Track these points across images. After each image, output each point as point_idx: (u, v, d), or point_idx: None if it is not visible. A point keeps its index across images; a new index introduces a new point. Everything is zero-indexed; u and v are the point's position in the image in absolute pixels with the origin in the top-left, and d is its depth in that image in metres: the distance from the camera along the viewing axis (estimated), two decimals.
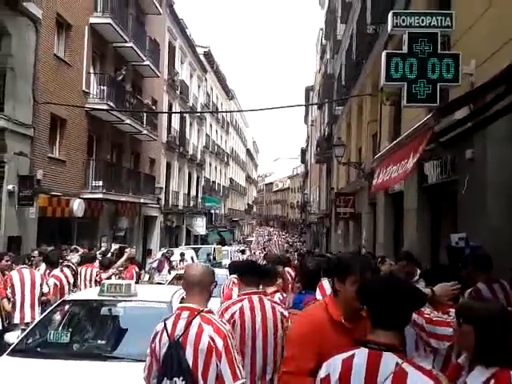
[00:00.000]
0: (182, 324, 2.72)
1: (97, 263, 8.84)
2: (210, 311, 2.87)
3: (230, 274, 6.39)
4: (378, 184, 7.00)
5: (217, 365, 2.60)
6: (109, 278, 8.33)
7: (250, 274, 3.79)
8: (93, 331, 4.89)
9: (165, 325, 2.77)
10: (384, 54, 6.29)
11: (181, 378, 2.58)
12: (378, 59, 8.73)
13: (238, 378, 2.62)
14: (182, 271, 10.84)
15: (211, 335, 2.64)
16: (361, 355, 1.91)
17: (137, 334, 4.40)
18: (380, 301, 1.95)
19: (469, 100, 4.96)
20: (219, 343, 2.62)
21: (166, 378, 2.62)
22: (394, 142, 6.88)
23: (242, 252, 19.73)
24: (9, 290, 6.68)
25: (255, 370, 3.41)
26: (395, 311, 1.92)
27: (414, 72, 6.02)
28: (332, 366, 1.98)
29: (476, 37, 6.08)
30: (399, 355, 1.88)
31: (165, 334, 2.73)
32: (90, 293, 5.56)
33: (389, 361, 1.85)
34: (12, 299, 6.61)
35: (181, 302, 3.87)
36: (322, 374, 2.01)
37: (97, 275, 8.46)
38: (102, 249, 10.97)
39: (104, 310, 5.04)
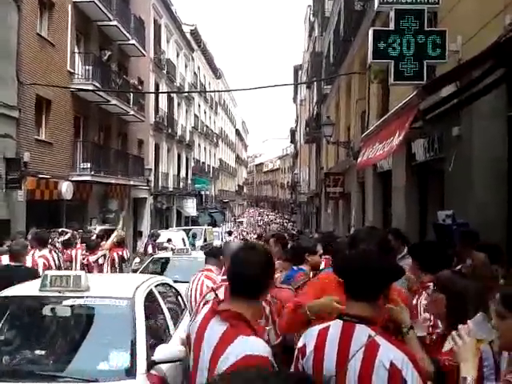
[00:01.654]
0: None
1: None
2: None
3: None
4: (363, 161, 7.03)
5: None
6: (96, 260, 8.31)
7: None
8: (29, 339, 3.75)
9: (216, 295, 3.10)
10: (371, 31, 6.26)
11: None
12: (365, 37, 8.66)
13: (278, 336, 3.07)
14: (160, 255, 10.67)
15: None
16: (335, 326, 1.95)
17: (87, 343, 3.60)
18: (351, 274, 2.00)
19: (455, 76, 4.97)
20: (267, 310, 3.03)
21: None
22: (380, 120, 6.89)
23: (229, 233, 19.82)
24: None
25: None
26: (367, 283, 1.94)
27: (401, 50, 6.01)
28: (308, 337, 2.03)
29: (463, 13, 6.05)
30: (373, 328, 1.90)
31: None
32: (29, 287, 4.16)
33: (361, 333, 1.88)
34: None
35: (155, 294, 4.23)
36: (299, 343, 2.05)
37: (83, 258, 8.40)
38: (91, 228, 10.84)
39: (46, 310, 3.93)
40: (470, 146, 5.65)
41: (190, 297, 4.65)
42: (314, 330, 2.03)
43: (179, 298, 5.53)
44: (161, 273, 8.72)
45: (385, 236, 3.00)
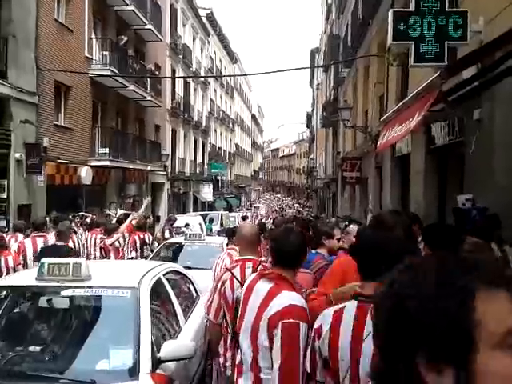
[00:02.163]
0: (249, 272, 3.25)
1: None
2: (266, 261, 3.64)
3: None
4: (383, 143, 6.97)
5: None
6: (112, 243, 8.44)
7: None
8: (22, 335, 3.43)
9: (232, 274, 3.35)
10: (391, 12, 6.15)
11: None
12: (384, 19, 8.53)
13: None
14: (171, 240, 10.40)
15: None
16: (351, 307, 1.96)
17: (86, 339, 3.31)
18: (363, 253, 2.03)
19: (477, 58, 4.88)
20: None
21: None
22: (401, 103, 6.81)
23: (244, 218, 19.86)
24: (20, 258, 6.76)
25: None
26: (378, 263, 1.92)
27: (422, 31, 5.90)
28: (324, 318, 2.04)
29: None
30: None
31: (235, 280, 3.31)
32: (25, 276, 3.95)
33: None
34: (24, 267, 6.71)
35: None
36: (316, 324, 2.06)
37: (101, 241, 8.54)
38: (110, 212, 10.99)
39: (42, 302, 3.65)
40: (491, 130, 5.56)
41: (214, 275, 4.91)
42: (330, 310, 2.05)
43: (191, 286, 5.25)
44: (172, 259, 8.38)
45: (409, 221, 3.05)
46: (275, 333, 2.33)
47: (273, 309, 2.36)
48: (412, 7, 6.03)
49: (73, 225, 9.83)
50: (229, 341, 3.27)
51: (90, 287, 3.46)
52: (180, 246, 9.36)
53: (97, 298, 3.52)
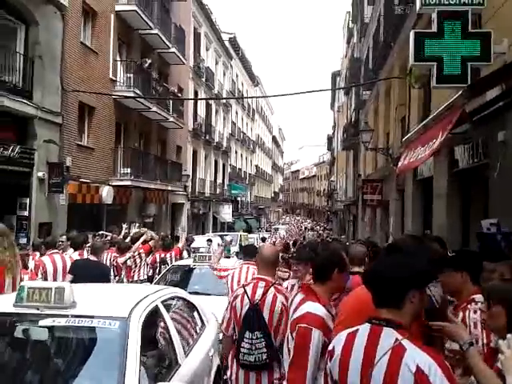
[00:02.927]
0: (260, 291, 3.53)
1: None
2: (279, 284, 3.83)
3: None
4: (404, 165, 6.83)
5: (285, 324, 3.35)
6: (124, 262, 8.43)
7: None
8: None
9: (245, 290, 3.58)
10: (412, 33, 6.10)
11: (260, 332, 3.41)
12: (406, 41, 8.49)
13: None
14: (179, 262, 9.39)
15: (283, 302, 3.50)
16: (363, 330, 1.94)
17: (63, 379, 2.90)
18: (370, 283, 2.01)
19: (501, 78, 4.76)
20: (288, 309, 3.37)
21: (248, 331, 3.44)
22: (422, 123, 6.69)
23: (263, 240, 19.70)
24: (39, 276, 6.77)
25: None
26: (384, 292, 1.93)
27: (444, 51, 5.82)
28: (338, 340, 2.03)
29: (509, 14, 5.81)
30: (400, 332, 1.85)
31: (246, 297, 3.54)
32: (1, 301, 3.35)
33: (388, 336, 1.85)
34: None
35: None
36: (330, 347, 2.08)
37: (113, 259, 8.53)
38: (124, 232, 11.00)
39: (18, 332, 3.13)
40: None
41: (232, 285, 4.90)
42: (344, 333, 2.03)
43: (196, 314, 4.75)
44: (179, 283, 7.67)
45: (433, 248, 2.96)
46: (293, 336, 2.69)
47: (294, 316, 2.80)
48: (434, 28, 5.97)
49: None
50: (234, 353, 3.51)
51: (73, 316, 3.00)
52: (188, 270, 8.49)
53: (79, 330, 3.03)
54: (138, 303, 3.32)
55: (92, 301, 3.45)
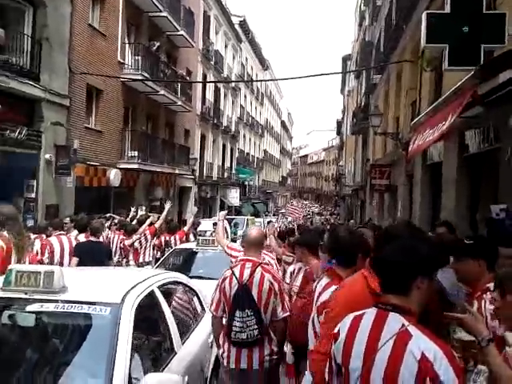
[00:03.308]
0: (247, 272, 3.65)
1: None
2: (266, 263, 3.90)
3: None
4: (413, 149, 6.73)
5: (273, 301, 3.61)
6: (131, 244, 8.48)
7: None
8: None
9: (232, 272, 3.68)
10: (425, 14, 5.97)
11: (250, 310, 3.54)
12: (418, 24, 8.31)
13: (286, 310, 3.71)
14: (181, 246, 9.18)
15: (270, 280, 3.64)
16: (369, 314, 1.91)
17: (49, 369, 2.71)
18: (378, 268, 1.98)
19: None
20: (276, 286, 3.64)
21: (238, 310, 3.55)
22: (432, 105, 6.56)
23: (269, 223, 19.61)
24: (46, 256, 6.81)
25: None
26: (399, 276, 1.88)
27: (457, 33, 5.68)
28: (343, 323, 1.99)
29: None
30: (407, 317, 1.81)
31: (234, 278, 3.64)
32: None
33: (394, 321, 1.81)
34: (49, 265, 6.74)
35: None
36: (335, 329, 2.04)
37: (120, 242, 8.59)
38: (131, 214, 11.05)
39: (4, 317, 2.99)
40: None
41: None
42: (350, 316, 2.00)
43: (195, 300, 4.59)
44: (182, 267, 7.39)
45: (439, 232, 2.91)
46: (319, 319, 2.75)
47: (320, 299, 2.88)
48: (447, 9, 5.82)
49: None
50: (226, 332, 3.62)
51: (62, 301, 2.85)
52: (191, 253, 8.27)
53: (68, 316, 2.86)
54: (132, 288, 3.17)
55: (83, 285, 3.31)
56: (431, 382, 1.65)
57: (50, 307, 2.85)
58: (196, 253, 8.13)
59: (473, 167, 7.82)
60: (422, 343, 1.72)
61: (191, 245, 8.72)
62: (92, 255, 6.32)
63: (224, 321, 3.74)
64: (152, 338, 3.40)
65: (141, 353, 2.94)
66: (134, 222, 9.43)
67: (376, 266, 2.03)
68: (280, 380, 4.10)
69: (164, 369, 3.09)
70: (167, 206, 9.87)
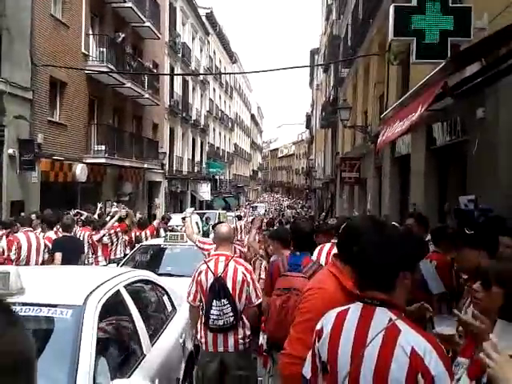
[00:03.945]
0: (221, 265, 3.99)
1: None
2: (238, 256, 4.40)
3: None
4: (382, 141, 6.78)
5: (246, 290, 3.98)
6: (99, 240, 8.32)
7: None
8: None
9: (208, 266, 4.00)
10: (392, 7, 5.99)
11: (226, 299, 3.87)
12: (385, 17, 8.37)
13: (259, 297, 4.07)
14: (148, 242, 8.94)
15: (243, 272, 4.01)
16: (355, 309, 1.85)
17: None
18: (363, 266, 1.87)
19: (481, 52, 4.70)
20: (248, 277, 4.03)
21: (215, 300, 3.87)
22: (402, 98, 6.62)
23: (239, 218, 19.54)
24: (13, 252, 6.61)
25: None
26: (382, 276, 1.81)
27: (424, 26, 5.73)
28: (327, 319, 1.92)
29: None
30: (394, 312, 1.77)
31: (209, 271, 3.97)
32: None
33: (381, 316, 1.77)
34: (16, 262, 6.54)
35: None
36: (318, 326, 1.96)
37: (89, 237, 8.41)
38: (98, 211, 10.81)
39: None
40: (496, 129, 5.38)
41: None
42: (334, 312, 1.93)
43: (165, 299, 4.45)
44: (149, 264, 7.19)
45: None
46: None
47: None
48: (414, 2, 5.87)
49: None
50: (203, 320, 3.94)
51: (20, 304, 2.65)
52: (159, 249, 7.94)
53: (26, 320, 2.62)
54: (95, 289, 2.99)
55: (43, 287, 3.11)
56: (423, 378, 1.62)
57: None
58: (164, 249, 7.82)
59: (440, 159, 7.96)
60: (411, 338, 1.69)
61: (159, 241, 8.38)
62: (71, 250, 6.57)
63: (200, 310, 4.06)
64: (119, 341, 3.24)
65: (107, 357, 2.78)
66: (108, 218, 9.24)
67: (355, 266, 1.96)
68: (256, 361, 4.49)
69: (132, 373, 2.92)
70: (156, 204, 9.75)
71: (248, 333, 4.06)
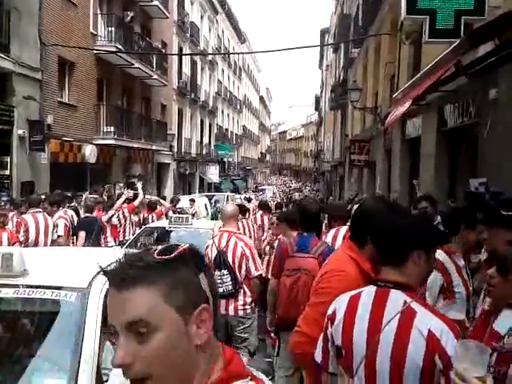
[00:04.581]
0: (224, 240, 4.59)
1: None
2: (240, 233, 4.92)
3: None
4: (390, 119, 6.69)
5: (246, 263, 4.55)
6: (108, 220, 8.38)
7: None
8: None
9: (213, 240, 4.63)
10: None
11: (226, 270, 4.47)
12: None
13: (259, 270, 4.70)
14: (153, 224, 8.83)
15: (243, 247, 4.57)
16: (368, 293, 1.83)
17: (7, 365, 2.40)
18: (385, 237, 1.87)
19: (495, 31, 4.58)
20: (247, 251, 4.58)
21: (217, 270, 4.43)
22: (414, 78, 6.51)
23: (249, 201, 19.54)
24: (21, 234, 6.65)
25: None
26: (402, 247, 1.81)
27: (437, 4, 5.61)
28: (339, 303, 1.90)
29: None
30: (409, 294, 1.76)
31: (214, 245, 4.59)
32: None
33: (396, 299, 1.75)
34: (24, 243, 6.59)
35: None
36: (329, 310, 1.94)
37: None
38: (105, 196, 10.91)
39: None
40: (509, 110, 5.29)
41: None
42: (346, 296, 1.91)
43: None
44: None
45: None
46: None
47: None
48: None
49: (74, 203, 9.76)
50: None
51: (24, 286, 2.53)
52: (163, 232, 7.77)
53: (29, 302, 2.55)
54: (96, 275, 2.77)
55: (47, 268, 2.97)
56: (440, 359, 1.62)
57: (8, 293, 2.52)
58: (169, 231, 7.62)
59: (451, 141, 7.86)
60: (427, 320, 1.68)
61: (163, 223, 8.20)
62: (93, 230, 7.26)
63: None
64: None
65: (112, 344, 2.63)
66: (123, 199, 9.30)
67: (375, 238, 1.95)
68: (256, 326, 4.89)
69: None
70: (138, 185, 9.87)
71: (248, 300, 4.58)
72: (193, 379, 0.96)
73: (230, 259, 4.49)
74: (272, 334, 4.20)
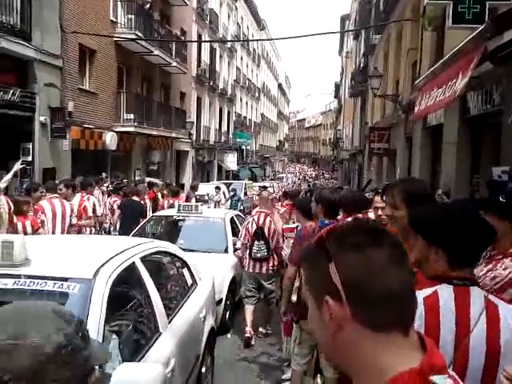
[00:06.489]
0: (262, 219, 6.16)
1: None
2: (273, 213, 6.36)
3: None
4: (421, 111, 6.58)
5: (276, 237, 6.11)
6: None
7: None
8: None
9: (253, 218, 6.25)
10: None
11: (263, 241, 6.04)
12: None
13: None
14: (161, 213, 8.51)
15: (276, 223, 6.14)
16: (445, 292, 1.70)
17: None
18: (467, 240, 1.70)
19: None
20: (279, 228, 6.04)
21: (257, 240, 6.04)
22: (439, 62, 6.39)
23: (265, 188, 19.68)
24: (39, 221, 6.70)
25: None
26: (478, 251, 1.76)
27: None
28: None
29: None
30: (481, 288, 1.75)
31: (254, 222, 6.15)
32: None
33: (478, 295, 1.68)
34: (42, 230, 6.62)
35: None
36: None
37: (114, 202, 9.02)
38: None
39: None
40: None
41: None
42: (418, 295, 1.76)
43: (185, 272, 4.09)
44: (160, 237, 6.53)
45: None
46: None
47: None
48: None
49: (96, 190, 9.87)
50: (248, 252, 6.09)
51: (25, 277, 2.41)
52: (171, 221, 7.51)
53: (30, 294, 2.37)
54: (108, 261, 2.72)
55: (50, 258, 2.84)
56: None
57: (8, 283, 2.40)
58: (177, 221, 7.39)
59: (474, 129, 7.72)
60: (507, 312, 1.65)
61: (171, 211, 7.88)
62: (132, 213, 8.04)
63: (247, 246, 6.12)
64: (132, 320, 2.97)
65: (119, 336, 2.57)
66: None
67: (451, 240, 1.72)
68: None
69: (145, 354, 2.70)
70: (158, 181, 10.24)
71: (276, 263, 6.11)
72: None
73: (266, 233, 6.02)
74: (290, 321, 4.17)
